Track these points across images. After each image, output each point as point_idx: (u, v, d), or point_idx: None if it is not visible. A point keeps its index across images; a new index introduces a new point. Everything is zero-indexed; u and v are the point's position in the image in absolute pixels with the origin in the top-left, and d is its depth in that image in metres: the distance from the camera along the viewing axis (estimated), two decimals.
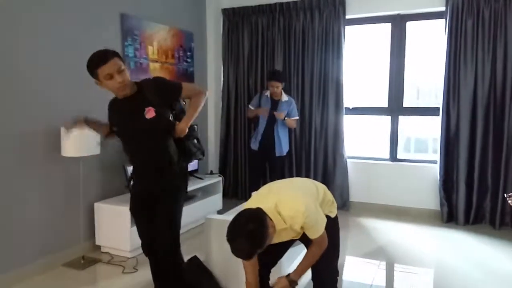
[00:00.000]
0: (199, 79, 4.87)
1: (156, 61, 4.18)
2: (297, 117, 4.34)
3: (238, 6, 4.97)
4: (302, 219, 1.77)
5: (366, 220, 4.34)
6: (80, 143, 2.99)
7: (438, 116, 4.23)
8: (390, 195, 4.56)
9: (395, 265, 3.31)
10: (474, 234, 3.88)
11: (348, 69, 4.65)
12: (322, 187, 2.10)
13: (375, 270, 3.19)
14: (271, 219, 1.73)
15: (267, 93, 4.23)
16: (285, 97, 4.22)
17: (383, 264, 3.29)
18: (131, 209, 2.35)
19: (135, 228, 2.38)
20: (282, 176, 4.20)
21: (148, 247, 2.31)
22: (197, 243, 3.06)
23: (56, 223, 3.16)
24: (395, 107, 4.59)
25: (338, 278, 2.12)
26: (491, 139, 3.98)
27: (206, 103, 5.03)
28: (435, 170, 4.30)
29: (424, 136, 4.95)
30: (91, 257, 3.31)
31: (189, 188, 3.99)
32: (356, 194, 4.69)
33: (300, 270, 1.93)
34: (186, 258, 2.45)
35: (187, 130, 2.22)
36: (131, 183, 2.35)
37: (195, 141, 2.38)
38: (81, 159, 3.13)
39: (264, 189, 2.05)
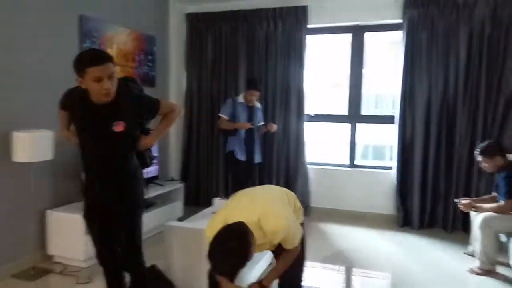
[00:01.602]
0: (161, 83, 4.79)
1: (116, 64, 4.06)
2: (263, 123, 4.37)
3: (202, 12, 4.96)
4: (283, 234, 1.79)
5: (326, 225, 4.41)
6: (32, 148, 2.84)
7: (394, 124, 4.39)
8: (349, 200, 4.67)
9: (354, 269, 3.38)
10: (428, 238, 4.04)
11: (310, 77, 4.74)
12: (292, 195, 2.14)
13: (334, 275, 3.24)
14: (252, 234, 1.71)
15: (241, 99, 4.13)
16: (257, 104, 4.23)
17: (342, 269, 3.35)
18: (85, 217, 2.25)
19: (89, 237, 2.29)
20: (254, 183, 4.20)
21: (104, 256, 2.23)
22: (157, 251, 2.99)
23: (4, 231, 2.98)
24: (354, 115, 4.72)
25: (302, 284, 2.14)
26: (443, 147, 4.17)
27: None
28: (392, 176, 4.45)
29: (382, 144, 5.12)
30: (42, 268, 3.14)
31: (149, 195, 3.95)
32: (316, 200, 4.76)
33: (272, 276, 1.93)
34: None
35: (153, 145, 2.19)
36: (85, 189, 2.26)
37: (149, 150, 2.34)
38: (33, 165, 2.98)
39: (244, 197, 2.01)
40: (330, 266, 3.38)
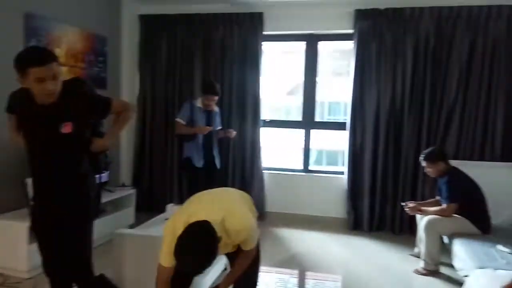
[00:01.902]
0: (112, 85, 4.63)
1: (64, 65, 3.89)
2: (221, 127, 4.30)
3: (156, 14, 4.86)
4: (246, 233, 1.80)
5: (281, 230, 4.46)
6: None
7: (345, 131, 4.53)
8: (303, 205, 4.75)
9: (307, 273, 3.44)
10: (377, 240, 4.19)
11: (266, 83, 4.79)
12: (248, 198, 2.15)
13: (287, 279, 3.28)
14: (218, 233, 1.70)
15: (199, 103, 3.97)
16: (216, 108, 4.13)
17: (295, 273, 3.39)
18: (32, 225, 2.12)
19: (33, 246, 2.16)
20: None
21: (51, 266, 2.11)
22: (106, 260, 2.87)
23: None
24: (308, 121, 4.82)
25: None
26: (391, 153, 4.36)
27: None
28: (344, 181, 4.59)
29: (336, 149, 5.27)
30: None
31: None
32: (271, 205, 4.80)
33: (229, 280, 1.92)
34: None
35: (108, 147, 2.11)
36: (32, 197, 2.13)
37: (105, 155, 2.25)
38: None
39: (205, 198, 2.00)
40: (284, 270, 3.42)
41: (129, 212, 4.23)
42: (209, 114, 4.03)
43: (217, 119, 4.17)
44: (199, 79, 4.75)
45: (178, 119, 3.95)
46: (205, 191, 2.12)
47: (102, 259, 2.77)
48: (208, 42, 4.74)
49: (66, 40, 3.89)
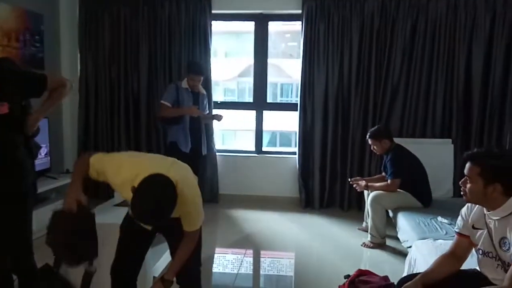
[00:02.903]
0: (51, 66, 4.33)
1: None
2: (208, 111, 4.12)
3: None
4: (193, 208, 1.75)
5: (235, 211, 4.47)
6: None
7: (296, 112, 4.58)
8: (256, 186, 4.78)
9: (261, 251, 3.49)
10: (327, 217, 4.33)
11: (217, 64, 4.70)
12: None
13: (241, 259, 3.31)
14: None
15: (185, 84, 3.76)
16: (202, 90, 3.93)
17: (249, 252, 3.42)
18: None
19: None
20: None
21: None
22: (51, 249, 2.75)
23: None
24: (260, 102, 4.81)
25: (201, 268, 2.11)
26: (339, 132, 4.46)
27: None
28: (295, 161, 4.66)
29: (289, 130, 5.33)
30: None
31: (41, 189, 3.58)
32: (225, 187, 4.79)
33: (174, 269, 1.85)
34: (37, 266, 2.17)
35: (36, 126, 1.97)
36: None
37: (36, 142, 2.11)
38: None
39: (154, 157, 1.93)
40: (239, 250, 3.44)
41: None
42: (195, 96, 3.83)
43: (204, 102, 4.00)
44: (146, 60, 4.56)
45: (163, 101, 3.71)
46: (158, 155, 2.06)
47: (47, 248, 2.63)
48: (154, 21, 4.54)
49: None
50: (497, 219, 1.70)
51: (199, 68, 3.78)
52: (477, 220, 1.81)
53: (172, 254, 1.97)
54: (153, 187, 1.57)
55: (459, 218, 1.91)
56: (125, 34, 4.58)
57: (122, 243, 1.95)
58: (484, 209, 1.77)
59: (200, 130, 3.90)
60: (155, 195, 1.55)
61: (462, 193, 1.79)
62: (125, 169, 1.72)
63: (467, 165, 1.74)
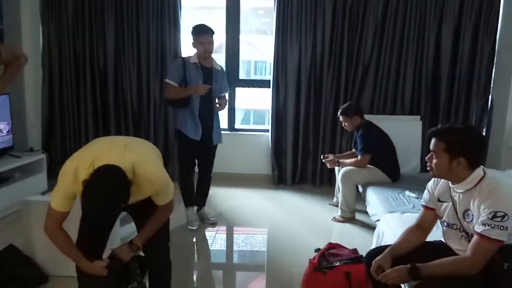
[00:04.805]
0: (11, 39, 4.09)
1: None
2: (228, 92, 3.58)
3: None
4: (158, 184, 1.71)
5: None
6: None
7: (269, 89, 4.55)
8: (229, 163, 4.75)
9: (234, 228, 3.51)
10: (299, 193, 4.38)
11: (187, 40, 4.55)
12: (160, 154, 2.03)
13: (214, 235, 3.32)
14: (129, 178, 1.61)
15: (194, 59, 3.19)
16: (217, 65, 3.33)
17: (222, 229, 3.43)
18: None
19: None
20: (213, 164, 3.59)
21: None
22: (16, 230, 2.66)
23: None
24: (232, 79, 4.73)
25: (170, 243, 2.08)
26: (312, 109, 4.48)
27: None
28: (268, 138, 4.66)
29: (263, 108, 5.28)
30: None
31: (3, 168, 3.44)
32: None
33: (144, 235, 1.83)
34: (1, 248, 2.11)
35: None
36: None
37: None
38: None
39: (114, 142, 1.85)
40: (211, 227, 3.44)
41: (40, 179, 3.90)
42: (208, 73, 3.21)
43: (221, 80, 3.35)
44: (113, 34, 4.38)
45: (167, 80, 3.17)
46: (112, 137, 2.00)
47: (12, 228, 2.56)
48: None
49: None
50: (461, 192, 1.76)
51: (204, 26, 3.16)
52: (443, 193, 1.87)
53: (138, 231, 1.92)
54: (98, 185, 1.52)
55: (425, 191, 1.97)
56: (89, 5, 4.36)
57: (84, 224, 1.88)
58: (449, 182, 1.82)
59: (212, 116, 3.31)
60: (100, 194, 1.50)
61: (428, 168, 1.83)
62: (80, 170, 1.62)
63: (433, 141, 1.79)
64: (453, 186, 1.80)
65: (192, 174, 3.46)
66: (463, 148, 1.71)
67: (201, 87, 3.08)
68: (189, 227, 3.34)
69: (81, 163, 1.63)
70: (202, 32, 3.12)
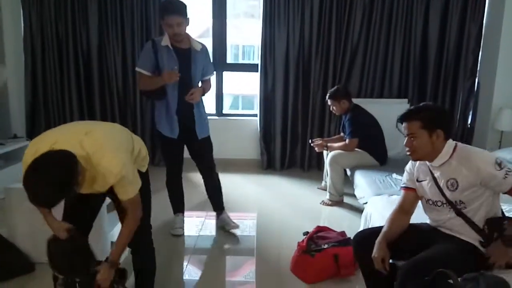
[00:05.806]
0: None
1: None
2: (214, 74, 3.05)
3: None
4: (117, 177, 1.62)
5: (196, 174, 4.36)
6: None
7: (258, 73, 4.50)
8: (218, 148, 4.65)
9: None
10: (288, 177, 4.39)
11: None
12: (138, 140, 1.97)
13: (202, 221, 3.31)
14: (82, 166, 1.53)
15: (166, 41, 2.65)
16: (197, 44, 2.76)
17: (212, 214, 3.42)
18: None
19: None
20: (211, 159, 3.21)
21: None
22: (1, 217, 2.62)
23: None
24: (219, 63, 4.68)
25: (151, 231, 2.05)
26: (300, 94, 4.46)
27: (3, 54, 4.18)
28: (256, 123, 4.64)
29: (252, 93, 5.24)
30: None
31: None
32: (185, 150, 4.69)
33: (118, 250, 1.77)
34: None
35: None
36: None
37: None
38: None
39: (79, 127, 1.80)
40: (201, 213, 3.44)
41: None
42: (184, 56, 2.68)
43: (203, 62, 2.81)
44: (96, 17, 4.28)
45: (138, 69, 2.71)
46: (84, 121, 1.93)
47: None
48: None
49: None
50: (439, 166, 1.80)
51: (172, 5, 2.55)
52: (421, 172, 1.90)
53: (120, 219, 1.86)
54: (38, 169, 1.44)
55: (404, 174, 2.00)
56: None
57: (67, 207, 1.85)
58: (427, 161, 1.85)
59: (191, 108, 2.77)
60: (39, 178, 1.42)
61: (408, 153, 1.85)
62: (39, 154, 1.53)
63: (405, 125, 1.83)
64: (430, 164, 1.84)
65: (178, 176, 3.09)
66: (437, 120, 1.78)
67: (167, 74, 2.57)
68: (171, 231, 3.05)
69: (40, 147, 1.56)
70: (169, 12, 2.53)
